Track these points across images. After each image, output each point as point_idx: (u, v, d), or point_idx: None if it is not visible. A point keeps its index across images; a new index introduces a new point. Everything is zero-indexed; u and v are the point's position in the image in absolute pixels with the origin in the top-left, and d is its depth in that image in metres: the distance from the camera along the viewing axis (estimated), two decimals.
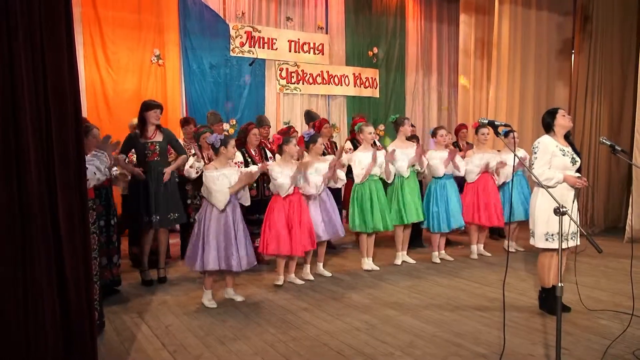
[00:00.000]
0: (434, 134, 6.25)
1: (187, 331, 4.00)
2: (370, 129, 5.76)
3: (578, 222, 4.18)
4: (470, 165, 6.26)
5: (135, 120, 5.57)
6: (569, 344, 3.63)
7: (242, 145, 5.82)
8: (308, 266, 5.49)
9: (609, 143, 4.22)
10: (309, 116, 7.50)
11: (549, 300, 4.24)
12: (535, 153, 4.12)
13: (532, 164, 4.10)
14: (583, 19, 8.37)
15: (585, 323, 4.08)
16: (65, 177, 2.86)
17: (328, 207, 5.44)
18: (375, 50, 9.88)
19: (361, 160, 5.62)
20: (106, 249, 4.77)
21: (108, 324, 4.10)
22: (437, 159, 6.03)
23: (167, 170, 5.21)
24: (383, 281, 5.39)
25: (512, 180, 6.23)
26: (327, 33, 9.34)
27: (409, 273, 5.71)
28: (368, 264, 5.84)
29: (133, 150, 5.28)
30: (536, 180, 3.96)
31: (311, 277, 5.43)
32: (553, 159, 4.08)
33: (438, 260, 6.16)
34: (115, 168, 4.86)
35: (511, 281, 5.23)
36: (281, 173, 4.96)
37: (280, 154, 5.21)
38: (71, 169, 2.90)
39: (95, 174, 3.74)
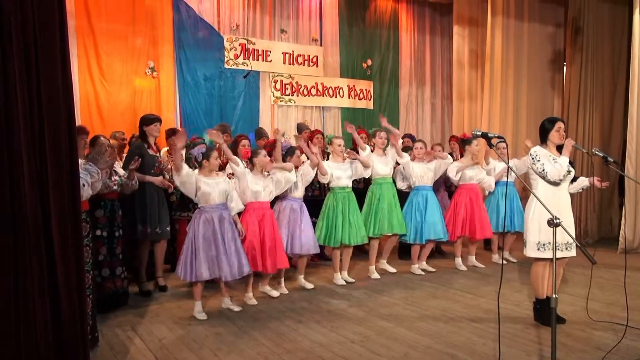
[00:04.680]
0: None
1: (181, 344, 3.97)
2: (340, 141, 5.76)
3: (574, 234, 4.19)
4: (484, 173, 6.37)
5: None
6: (564, 355, 3.63)
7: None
8: (282, 279, 5.43)
9: (602, 154, 4.25)
10: (298, 127, 7.58)
11: (544, 312, 4.24)
12: (538, 161, 4.11)
13: (544, 170, 4.09)
14: (574, 31, 8.47)
15: (580, 334, 4.08)
16: (58, 188, 2.85)
17: (297, 222, 5.32)
18: (370, 62, 9.93)
19: (330, 167, 5.59)
20: (109, 260, 4.75)
21: (101, 338, 4.05)
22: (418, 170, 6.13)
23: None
24: (377, 293, 5.37)
25: (506, 190, 6.25)
26: (321, 45, 9.39)
27: (403, 284, 5.70)
28: (339, 278, 5.76)
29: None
30: (529, 188, 3.98)
31: (285, 291, 5.36)
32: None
33: (420, 272, 6.15)
34: (117, 176, 4.83)
35: (506, 292, 5.22)
36: (255, 184, 4.94)
37: (252, 168, 5.10)
38: (64, 180, 2.90)
39: (84, 185, 3.71)
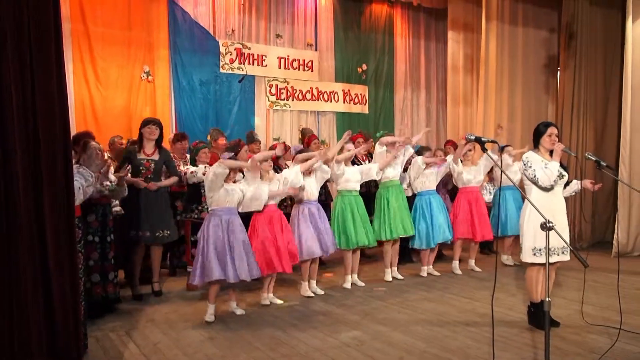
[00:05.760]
0: (419, 152, 6.32)
1: (176, 349, 3.95)
2: (350, 146, 5.86)
3: (568, 238, 4.21)
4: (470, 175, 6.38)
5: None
6: (558, 359, 3.64)
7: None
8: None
9: (594, 159, 4.27)
10: (302, 132, 7.64)
11: (538, 315, 4.25)
12: (530, 167, 4.13)
13: (535, 176, 4.10)
14: (568, 36, 8.52)
15: (574, 338, 4.09)
16: (52, 194, 2.85)
17: (318, 223, 5.38)
18: (365, 67, 9.96)
19: (345, 170, 5.64)
20: (100, 265, 4.73)
21: (95, 343, 4.04)
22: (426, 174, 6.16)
23: (155, 185, 5.23)
24: (373, 297, 5.37)
25: (500, 193, 6.28)
26: (316, 50, 9.42)
27: (399, 288, 5.70)
28: (350, 281, 5.79)
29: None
30: (523, 194, 4.00)
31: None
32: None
33: (425, 275, 6.18)
34: (109, 182, 4.83)
35: (500, 296, 5.24)
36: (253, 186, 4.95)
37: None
38: (59, 186, 2.90)
39: (79, 188, 3.71)
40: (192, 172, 5.63)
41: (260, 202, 4.86)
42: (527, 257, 4.23)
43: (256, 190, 4.82)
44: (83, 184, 3.79)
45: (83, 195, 3.86)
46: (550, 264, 3.08)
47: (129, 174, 5.15)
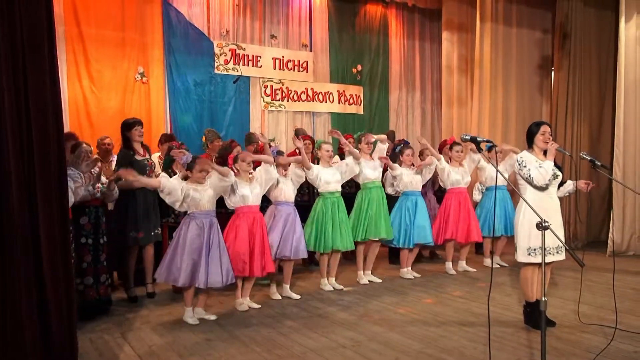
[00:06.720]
0: (400, 152, 6.31)
1: (171, 351, 3.94)
2: (328, 146, 5.78)
3: (563, 237, 4.21)
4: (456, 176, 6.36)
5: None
6: (554, 358, 3.64)
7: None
8: (274, 285, 5.41)
9: (589, 158, 4.29)
10: (296, 132, 7.61)
11: (534, 315, 4.26)
12: (525, 167, 4.14)
13: (530, 176, 4.11)
14: (562, 37, 8.56)
15: (570, 337, 4.10)
16: (46, 196, 2.83)
17: (291, 226, 5.30)
18: (360, 67, 9.96)
19: (318, 174, 5.58)
20: (93, 267, 4.71)
21: (89, 345, 4.03)
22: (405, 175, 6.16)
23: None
24: (368, 297, 5.37)
25: (495, 194, 6.30)
26: (311, 51, 9.41)
27: (393, 289, 5.70)
28: (326, 284, 5.73)
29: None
30: (518, 193, 4.00)
31: (278, 297, 5.35)
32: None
33: (409, 276, 6.17)
34: (100, 184, 4.80)
35: (496, 296, 5.25)
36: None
37: (237, 173, 4.98)
38: (53, 188, 2.88)
39: (70, 190, 3.68)
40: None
41: (230, 175, 4.70)
42: (522, 257, 4.23)
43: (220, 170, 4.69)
44: (72, 186, 3.77)
45: (74, 197, 3.84)
46: (546, 263, 3.08)
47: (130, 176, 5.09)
